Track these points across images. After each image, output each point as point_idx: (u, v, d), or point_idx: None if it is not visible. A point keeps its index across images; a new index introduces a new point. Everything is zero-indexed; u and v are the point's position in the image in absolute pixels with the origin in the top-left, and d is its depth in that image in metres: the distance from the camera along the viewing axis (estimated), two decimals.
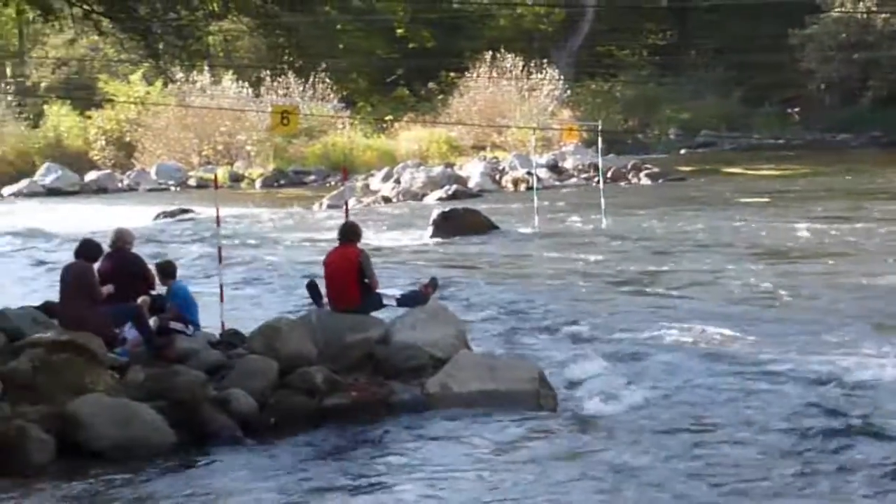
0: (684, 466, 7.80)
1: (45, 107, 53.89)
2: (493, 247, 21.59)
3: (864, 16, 51.33)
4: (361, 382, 9.83)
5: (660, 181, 36.79)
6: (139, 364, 9.87)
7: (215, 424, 8.80)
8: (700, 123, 55.49)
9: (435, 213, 24.27)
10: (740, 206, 27.30)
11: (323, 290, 11.36)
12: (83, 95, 53.35)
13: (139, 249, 11.79)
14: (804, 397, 9.34)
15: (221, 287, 12.38)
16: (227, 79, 51.03)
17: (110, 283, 10.43)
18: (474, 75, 50.36)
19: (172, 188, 44.96)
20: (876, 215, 23.54)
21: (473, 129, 46.87)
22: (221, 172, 42.70)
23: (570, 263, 18.71)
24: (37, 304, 11.72)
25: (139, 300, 10.68)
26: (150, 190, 44.37)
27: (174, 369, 9.40)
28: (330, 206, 31.64)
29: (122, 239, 11.07)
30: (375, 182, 38.50)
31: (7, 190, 45.28)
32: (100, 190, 44.95)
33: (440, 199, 32.54)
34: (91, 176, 46.71)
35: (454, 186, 34.48)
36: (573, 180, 38.29)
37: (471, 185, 36.31)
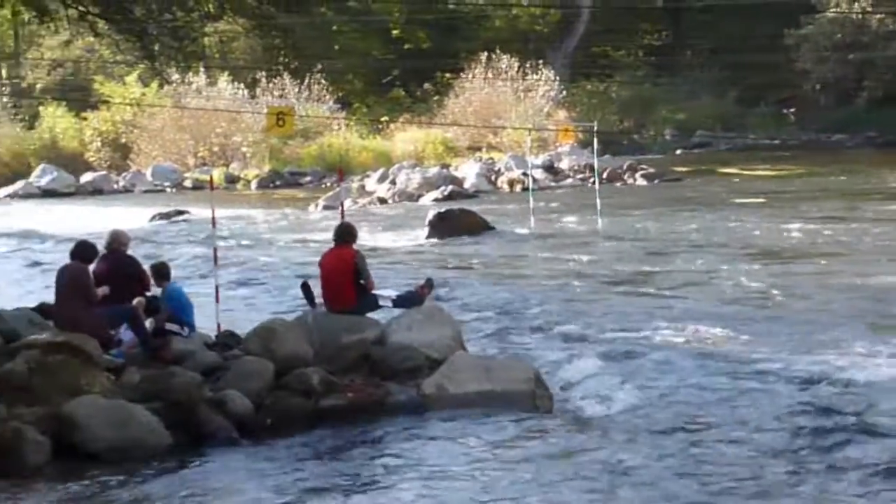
0: (679, 466, 7.85)
1: (41, 108, 53.89)
2: (488, 247, 21.61)
3: (860, 16, 51.36)
4: (357, 383, 9.84)
5: (655, 182, 36.77)
6: (135, 365, 9.87)
7: (211, 426, 8.82)
8: (695, 124, 55.50)
9: (430, 214, 24.28)
10: (735, 207, 27.32)
11: (317, 290, 11.37)
12: (79, 97, 53.33)
13: (135, 251, 11.77)
14: (797, 397, 9.39)
15: (217, 288, 12.38)
16: (223, 80, 51.09)
17: (106, 285, 10.41)
18: (470, 76, 50.38)
19: (168, 190, 44.93)
20: (870, 215, 23.58)
21: (469, 129, 46.84)
22: (217, 174, 42.62)
23: (565, 264, 18.75)
24: (32, 305, 11.75)
25: (135, 302, 10.68)
26: (146, 191, 44.31)
27: (170, 371, 9.41)
28: (326, 207, 31.64)
29: (117, 240, 11.06)
30: (371, 183, 38.46)
31: (2, 191, 45.27)
32: (95, 191, 44.92)
33: (436, 199, 32.51)
34: (87, 177, 46.70)
35: (450, 187, 34.45)
36: (569, 181, 38.26)
37: (466, 185, 36.29)
